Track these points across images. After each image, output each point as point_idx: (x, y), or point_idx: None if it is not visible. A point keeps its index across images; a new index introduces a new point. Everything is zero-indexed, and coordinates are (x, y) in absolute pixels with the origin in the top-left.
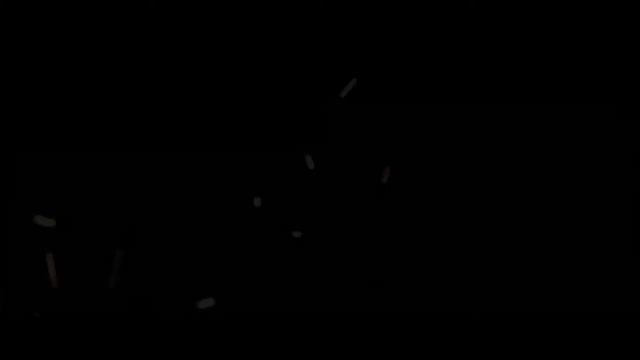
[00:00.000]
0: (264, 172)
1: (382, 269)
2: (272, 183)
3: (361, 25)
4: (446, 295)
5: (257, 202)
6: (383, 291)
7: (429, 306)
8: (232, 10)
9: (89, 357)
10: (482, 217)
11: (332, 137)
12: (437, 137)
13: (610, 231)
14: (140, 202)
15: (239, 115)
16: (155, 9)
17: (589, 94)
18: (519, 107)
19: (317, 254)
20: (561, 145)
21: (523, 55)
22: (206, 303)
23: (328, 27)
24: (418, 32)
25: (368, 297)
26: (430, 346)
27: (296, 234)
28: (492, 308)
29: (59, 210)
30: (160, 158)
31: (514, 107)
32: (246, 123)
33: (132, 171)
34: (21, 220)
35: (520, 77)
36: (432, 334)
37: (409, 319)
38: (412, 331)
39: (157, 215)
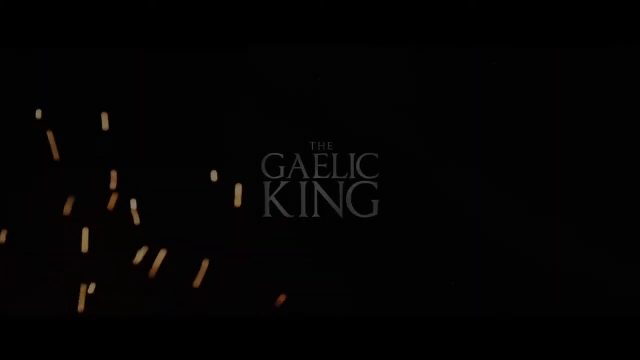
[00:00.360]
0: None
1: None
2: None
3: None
4: (446, 298)
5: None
6: (383, 294)
7: (430, 309)
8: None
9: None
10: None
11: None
12: (437, 80)
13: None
14: None
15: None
16: None
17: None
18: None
19: (318, 256)
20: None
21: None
22: None
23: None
24: None
25: (367, 301)
26: (430, 349)
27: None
28: (492, 311)
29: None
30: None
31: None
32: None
33: None
34: None
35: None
36: (432, 337)
37: (409, 322)
38: (412, 334)
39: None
